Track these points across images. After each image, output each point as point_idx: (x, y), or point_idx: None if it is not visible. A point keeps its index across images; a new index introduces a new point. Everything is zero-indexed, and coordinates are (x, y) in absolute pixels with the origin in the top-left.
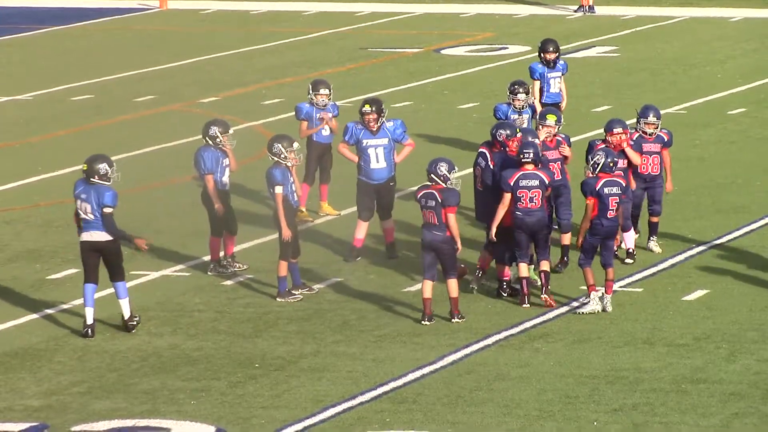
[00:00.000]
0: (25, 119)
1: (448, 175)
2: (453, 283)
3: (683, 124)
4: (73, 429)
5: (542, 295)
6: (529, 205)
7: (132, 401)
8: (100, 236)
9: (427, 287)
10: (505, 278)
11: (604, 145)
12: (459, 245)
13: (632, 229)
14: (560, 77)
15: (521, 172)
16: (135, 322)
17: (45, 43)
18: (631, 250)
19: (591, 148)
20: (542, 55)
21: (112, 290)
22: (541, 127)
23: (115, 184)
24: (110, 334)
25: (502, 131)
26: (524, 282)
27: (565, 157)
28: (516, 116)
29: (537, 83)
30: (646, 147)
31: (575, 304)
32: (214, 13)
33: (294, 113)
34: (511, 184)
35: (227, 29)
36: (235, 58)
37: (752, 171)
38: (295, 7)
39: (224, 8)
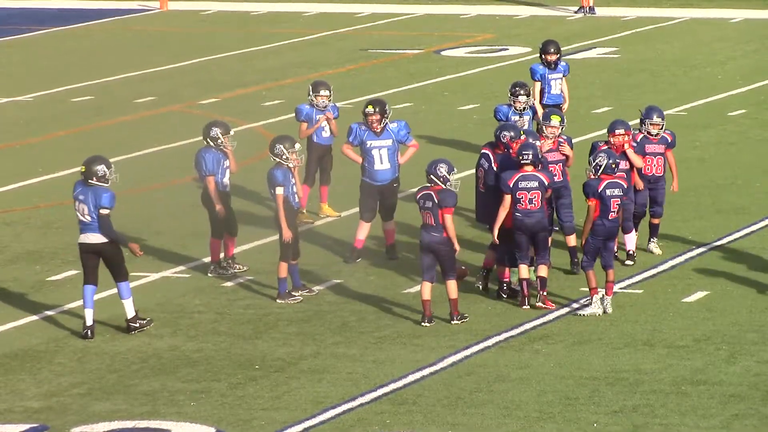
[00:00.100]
0: (25, 120)
1: (448, 176)
2: (452, 285)
3: (683, 125)
4: (73, 430)
5: (537, 303)
6: (528, 207)
7: (132, 402)
8: (98, 238)
9: (426, 289)
10: (505, 280)
11: (606, 147)
12: (457, 246)
13: (633, 230)
14: (561, 78)
15: (520, 174)
16: (138, 325)
17: (45, 43)
18: (631, 252)
19: (594, 150)
20: (543, 56)
21: (111, 292)
22: (545, 128)
23: (115, 185)
24: (110, 336)
25: (506, 133)
26: (524, 283)
27: (567, 159)
28: (517, 118)
29: (538, 84)
30: (650, 148)
31: (575, 305)
32: (214, 14)
33: (294, 115)
34: (511, 185)
35: (227, 30)
36: (235, 59)
37: (752, 172)
38: (295, 8)
39: (224, 9)
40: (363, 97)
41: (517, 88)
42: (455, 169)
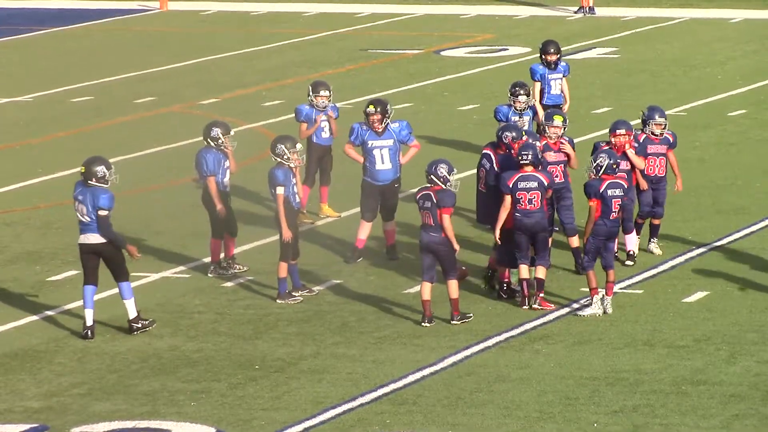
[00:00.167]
0: (25, 120)
1: (448, 176)
2: (453, 284)
3: (683, 126)
4: (73, 430)
5: (534, 305)
6: (528, 207)
7: (132, 403)
8: (97, 238)
9: (426, 289)
10: (505, 280)
11: (607, 147)
12: (456, 246)
13: (634, 231)
14: (561, 79)
15: (520, 174)
16: (141, 325)
17: (45, 44)
18: (631, 252)
19: (596, 150)
20: (543, 56)
21: (112, 292)
22: (547, 128)
23: (115, 185)
24: (110, 336)
25: (507, 133)
26: (524, 283)
27: (568, 159)
28: (517, 118)
29: (538, 85)
30: (652, 149)
31: (575, 306)
32: (214, 14)
33: (294, 115)
34: (510, 186)
35: (227, 30)
36: (235, 59)
37: (752, 172)
38: (296, 8)
39: (224, 9)
40: (363, 97)
41: (517, 89)
42: (455, 170)
